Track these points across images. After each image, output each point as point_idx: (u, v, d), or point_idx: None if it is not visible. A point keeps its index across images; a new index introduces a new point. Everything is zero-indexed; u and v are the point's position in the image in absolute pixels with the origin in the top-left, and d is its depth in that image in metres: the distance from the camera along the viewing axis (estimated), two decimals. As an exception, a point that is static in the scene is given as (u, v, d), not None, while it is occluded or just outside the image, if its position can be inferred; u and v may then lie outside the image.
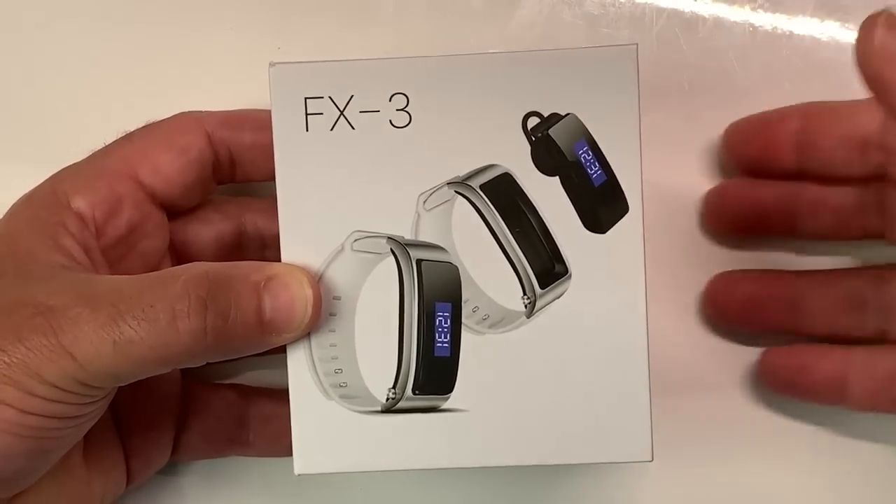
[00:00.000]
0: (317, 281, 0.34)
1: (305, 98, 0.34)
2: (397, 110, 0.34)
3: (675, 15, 0.43)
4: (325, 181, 0.34)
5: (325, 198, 0.34)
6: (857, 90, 0.42)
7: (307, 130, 0.34)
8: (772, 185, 0.41)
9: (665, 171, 0.42)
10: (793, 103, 0.41)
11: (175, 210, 0.39)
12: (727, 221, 0.42)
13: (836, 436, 0.43)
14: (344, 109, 0.34)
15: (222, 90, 0.40)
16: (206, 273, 0.33)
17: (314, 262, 0.34)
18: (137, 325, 0.31)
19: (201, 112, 0.39)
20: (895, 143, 0.38)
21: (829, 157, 0.39)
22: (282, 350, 0.35)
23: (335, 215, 0.34)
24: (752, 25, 0.43)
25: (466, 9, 0.43)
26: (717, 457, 0.43)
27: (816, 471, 0.43)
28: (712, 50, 0.43)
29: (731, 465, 0.43)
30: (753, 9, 0.43)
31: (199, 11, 0.43)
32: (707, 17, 0.43)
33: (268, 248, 0.40)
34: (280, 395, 0.41)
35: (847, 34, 0.42)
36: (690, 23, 0.43)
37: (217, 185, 0.40)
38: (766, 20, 0.43)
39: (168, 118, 0.38)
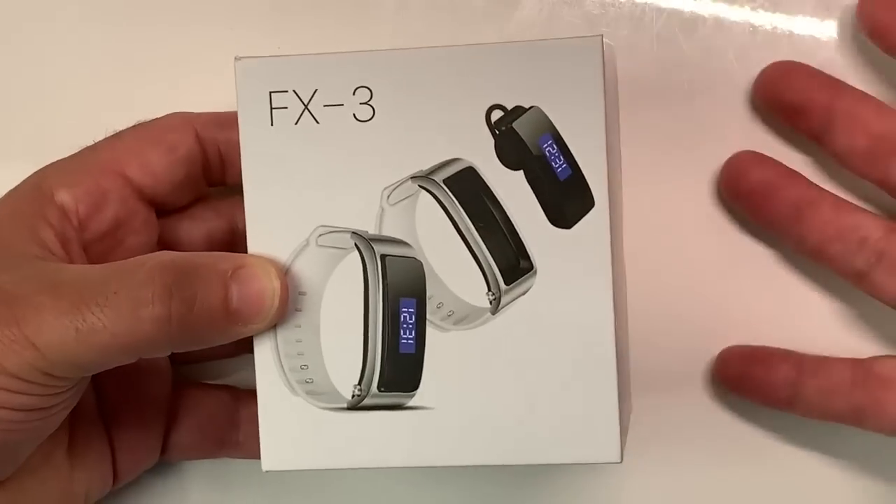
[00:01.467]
0: (285, 273, 0.34)
1: (270, 92, 0.34)
2: (361, 104, 0.34)
3: (675, 15, 0.42)
4: (291, 175, 0.34)
5: (291, 192, 0.34)
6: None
7: (272, 125, 0.34)
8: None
9: (665, 170, 0.42)
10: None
11: (164, 208, 0.39)
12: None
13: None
14: (308, 103, 0.34)
15: (222, 90, 0.40)
16: (173, 261, 0.33)
17: (280, 256, 0.34)
18: (101, 313, 0.31)
19: (192, 112, 0.39)
20: None
21: None
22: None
23: (300, 209, 0.34)
24: (752, 25, 0.42)
25: (467, 8, 0.43)
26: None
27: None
28: (712, 50, 0.42)
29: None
30: (753, 9, 0.42)
31: (199, 11, 0.43)
32: (707, 17, 0.42)
33: None
34: None
35: (847, 34, 0.41)
36: (690, 23, 0.42)
37: (209, 187, 0.40)
38: (766, 20, 0.42)
39: (158, 118, 0.39)
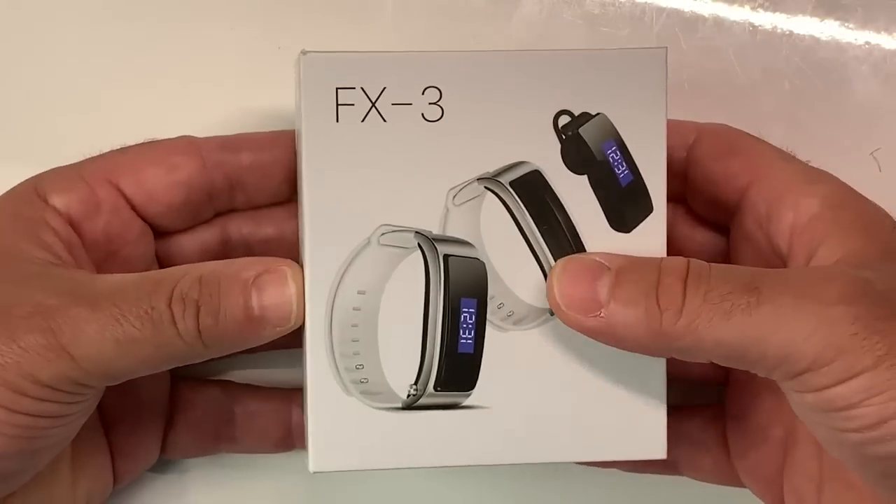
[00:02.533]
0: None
1: (337, 88, 0.33)
2: (430, 104, 0.33)
3: (675, 15, 0.43)
4: (354, 172, 0.33)
5: (354, 189, 0.33)
6: (856, 90, 0.43)
7: (337, 121, 0.33)
8: None
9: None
10: (792, 103, 0.41)
11: (161, 229, 0.38)
12: None
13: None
14: (376, 101, 0.33)
15: (223, 89, 0.40)
16: (202, 275, 0.33)
17: (340, 254, 0.34)
18: (141, 325, 0.32)
19: (199, 137, 0.38)
20: None
21: None
22: (273, 346, 0.35)
23: (363, 208, 0.34)
24: (752, 25, 0.43)
25: (467, 8, 0.43)
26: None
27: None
28: (712, 50, 0.43)
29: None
30: (753, 9, 0.43)
31: (199, 11, 0.42)
32: (707, 16, 0.43)
33: (254, 254, 0.39)
34: (265, 392, 0.41)
35: (847, 34, 0.43)
36: (690, 23, 0.43)
37: (215, 213, 0.39)
38: (766, 20, 0.43)
39: (166, 138, 0.38)
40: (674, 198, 0.38)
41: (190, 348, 0.33)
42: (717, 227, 0.39)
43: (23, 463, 0.33)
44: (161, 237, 0.38)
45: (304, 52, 0.33)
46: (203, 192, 0.37)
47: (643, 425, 0.35)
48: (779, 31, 0.43)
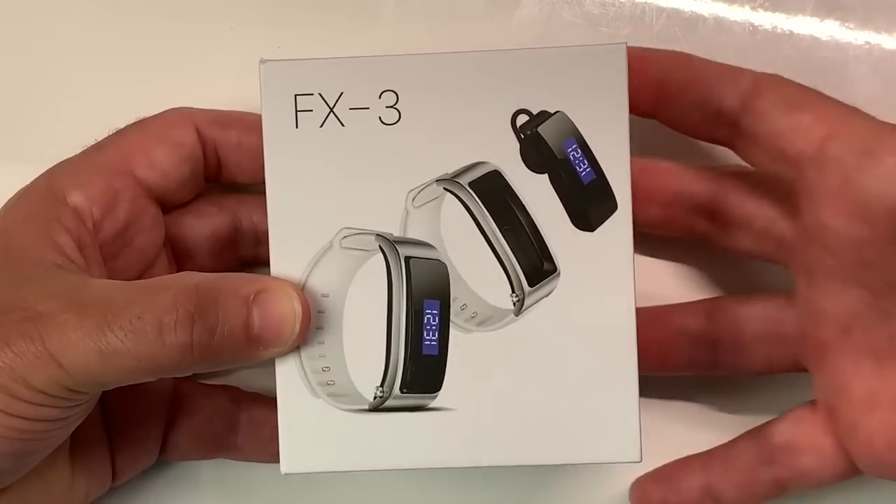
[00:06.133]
0: (305, 295, 0.34)
1: (295, 95, 0.34)
2: (387, 107, 0.34)
3: (675, 15, 0.43)
4: (315, 178, 0.34)
5: (315, 194, 0.34)
6: (856, 90, 0.42)
7: (297, 127, 0.34)
8: None
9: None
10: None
11: (169, 205, 0.39)
12: None
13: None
14: (334, 106, 0.34)
15: (223, 90, 0.40)
16: (196, 286, 0.32)
17: (303, 258, 0.34)
18: (124, 336, 0.31)
19: (191, 108, 0.39)
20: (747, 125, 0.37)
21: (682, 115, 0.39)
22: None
23: (324, 212, 0.34)
24: (752, 25, 0.42)
25: (467, 8, 0.43)
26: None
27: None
28: (712, 50, 0.42)
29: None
30: (753, 9, 0.42)
31: (199, 11, 0.43)
32: (707, 16, 0.43)
33: (262, 243, 0.40)
34: (271, 401, 0.41)
35: (847, 34, 0.42)
36: (690, 23, 0.43)
37: (206, 182, 0.40)
38: (766, 20, 0.42)
39: (158, 114, 0.38)
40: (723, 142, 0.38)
41: (177, 362, 0.32)
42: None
43: (17, 463, 0.34)
44: (173, 219, 0.39)
45: (262, 61, 0.34)
46: (201, 162, 0.38)
47: (615, 427, 0.34)
48: (779, 31, 0.42)
